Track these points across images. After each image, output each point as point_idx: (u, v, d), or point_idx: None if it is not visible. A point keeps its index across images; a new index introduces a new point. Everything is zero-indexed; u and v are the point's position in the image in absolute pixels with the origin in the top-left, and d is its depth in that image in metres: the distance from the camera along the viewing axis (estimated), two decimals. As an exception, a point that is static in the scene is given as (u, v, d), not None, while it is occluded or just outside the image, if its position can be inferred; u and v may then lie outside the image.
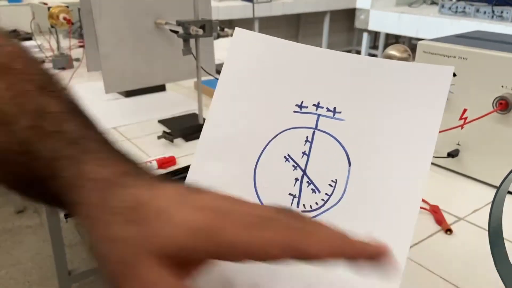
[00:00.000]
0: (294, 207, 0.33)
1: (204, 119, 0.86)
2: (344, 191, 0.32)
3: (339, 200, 0.32)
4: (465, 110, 0.66)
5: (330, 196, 0.32)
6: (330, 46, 3.89)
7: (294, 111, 0.35)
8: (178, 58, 0.94)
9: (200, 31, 0.76)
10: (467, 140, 0.67)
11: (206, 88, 1.10)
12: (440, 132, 0.72)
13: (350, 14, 3.56)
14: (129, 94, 1.07)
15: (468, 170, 0.68)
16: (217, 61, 1.42)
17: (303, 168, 0.34)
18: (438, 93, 0.31)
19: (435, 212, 0.59)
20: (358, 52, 3.81)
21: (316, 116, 0.34)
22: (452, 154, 0.68)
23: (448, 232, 0.55)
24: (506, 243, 0.40)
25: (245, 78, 0.38)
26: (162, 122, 0.92)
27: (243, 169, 0.35)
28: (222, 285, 0.30)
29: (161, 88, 1.13)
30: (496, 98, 0.61)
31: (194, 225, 0.20)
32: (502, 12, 2.06)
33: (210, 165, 0.36)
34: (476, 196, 0.64)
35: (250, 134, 0.36)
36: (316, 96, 0.35)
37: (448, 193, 0.66)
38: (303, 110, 0.35)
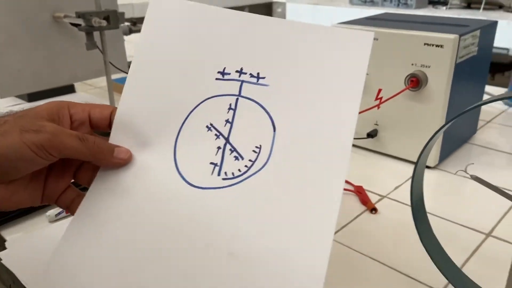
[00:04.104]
0: (215, 176, 0.32)
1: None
2: (269, 156, 0.31)
3: (263, 166, 0.31)
4: (380, 90, 0.66)
5: (254, 162, 0.31)
6: (251, 40, 3.90)
7: (217, 79, 0.34)
8: (84, 54, 0.86)
9: (104, 23, 0.70)
10: (384, 119, 0.68)
11: (120, 86, 1.03)
12: (359, 113, 0.73)
13: (268, 8, 3.59)
14: (32, 98, 0.97)
15: (387, 148, 0.69)
16: (130, 58, 1.35)
17: (226, 136, 0.33)
18: (360, 56, 0.31)
19: (360, 193, 0.58)
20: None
21: (239, 83, 0.33)
22: (371, 135, 0.69)
23: (373, 211, 0.55)
24: (430, 216, 0.41)
25: (164, 45, 0.36)
26: (72, 125, 0.84)
27: (164, 139, 0.34)
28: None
29: (69, 89, 1.04)
30: (408, 76, 0.63)
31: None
32: (406, 0, 2.19)
33: (130, 137, 0.35)
34: (397, 173, 0.65)
35: (170, 104, 0.34)
36: (239, 62, 0.33)
37: (371, 173, 0.66)
38: (226, 77, 0.33)
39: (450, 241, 0.50)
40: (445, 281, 0.40)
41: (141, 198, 0.33)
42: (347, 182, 0.62)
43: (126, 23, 1.12)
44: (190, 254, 0.30)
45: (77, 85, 1.07)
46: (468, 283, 0.38)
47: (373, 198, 0.58)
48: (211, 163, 0.32)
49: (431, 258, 0.39)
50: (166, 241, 0.31)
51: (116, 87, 1.02)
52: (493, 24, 0.71)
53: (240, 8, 3.59)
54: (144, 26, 0.37)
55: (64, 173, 0.36)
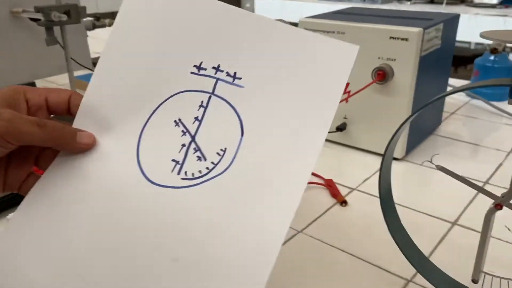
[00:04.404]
0: (174, 174, 0.31)
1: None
2: (232, 161, 0.30)
3: (224, 170, 0.30)
4: (347, 84, 0.67)
5: (216, 165, 0.30)
6: (220, 36, 3.87)
7: (192, 72, 0.32)
8: (45, 50, 0.83)
9: (64, 17, 0.67)
10: (353, 113, 0.69)
11: (84, 83, 1.00)
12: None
13: (236, 3, 3.57)
14: (-10, 96, 0.93)
15: (355, 141, 0.70)
16: (95, 54, 1.31)
17: (192, 134, 0.31)
18: (342, 69, 0.30)
19: (330, 186, 0.59)
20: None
21: (214, 80, 0.32)
22: (341, 128, 0.69)
23: (344, 204, 0.56)
24: (398, 207, 0.41)
25: (140, 35, 0.34)
26: (33, 124, 0.81)
27: (129, 129, 0.33)
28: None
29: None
30: (374, 69, 0.63)
31: None
32: (372, -5, 2.23)
33: (94, 122, 0.34)
34: (366, 166, 0.66)
35: (141, 95, 0.33)
36: (217, 58, 0.32)
37: (340, 166, 0.67)
38: (201, 72, 0.32)
39: (418, 231, 0.50)
40: (414, 270, 0.41)
41: (96, 188, 0.32)
42: (317, 175, 0.62)
43: (90, 18, 1.09)
44: (136, 253, 0.29)
45: (38, 83, 1.03)
46: (435, 272, 0.39)
47: (343, 191, 0.59)
48: (173, 160, 0.31)
49: (400, 248, 0.39)
50: (116, 236, 0.30)
51: (79, 84, 0.99)
52: (456, 17, 0.72)
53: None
54: (120, 13, 0.35)
55: (24, 160, 0.34)
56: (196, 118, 0.32)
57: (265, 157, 0.29)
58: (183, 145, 0.31)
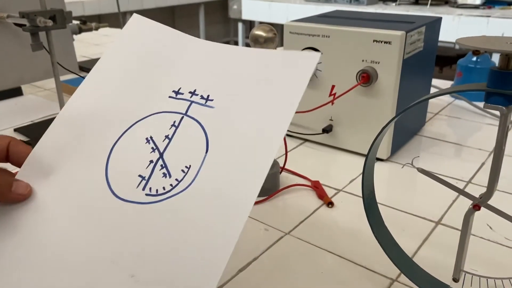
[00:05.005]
0: (139, 189, 0.32)
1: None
2: (194, 178, 0.31)
3: (186, 188, 0.31)
4: (333, 87, 0.68)
5: (179, 182, 0.31)
6: (208, 38, 3.87)
7: (169, 96, 0.35)
8: (30, 55, 0.82)
9: (50, 22, 0.67)
10: (338, 115, 0.70)
11: (71, 88, 1.00)
12: (313, 109, 0.74)
13: (224, 5, 3.57)
14: (-25, 102, 0.92)
15: (342, 143, 0.71)
16: (81, 58, 1.30)
17: (161, 151, 0.33)
18: (299, 78, 0.31)
19: (316, 188, 0.60)
20: (236, 43, 3.86)
21: (188, 103, 0.34)
22: (327, 130, 0.70)
23: (330, 205, 0.57)
24: (383, 207, 0.42)
25: (128, 60, 0.37)
26: (20, 130, 0.81)
27: (102, 142, 0.34)
28: None
29: (16, 92, 0.99)
30: (359, 72, 0.64)
31: None
32: (358, -3, 2.25)
33: (66, 135, 0.35)
34: (352, 167, 0.67)
35: (118, 113, 0.35)
36: (194, 84, 0.35)
37: (327, 167, 0.68)
38: (178, 96, 0.35)
39: (402, 231, 0.52)
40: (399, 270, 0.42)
41: (63, 201, 0.32)
42: (304, 177, 0.63)
43: (76, 22, 1.08)
44: (96, 267, 0.29)
45: (25, 87, 1.02)
46: (418, 272, 0.40)
47: (329, 192, 0.60)
48: (140, 175, 0.32)
49: (384, 250, 0.40)
50: (77, 250, 0.30)
51: (65, 88, 0.98)
52: (438, 20, 0.74)
53: (196, 6, 3.55)
54: (117, 40, 0.38)
55: None
56: (166, 136, 0.33)
57: (224, 173, 0.30)
58: (151, 161, 0.32)
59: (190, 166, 0.31)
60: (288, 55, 0.33)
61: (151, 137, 0.33)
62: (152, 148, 0.33)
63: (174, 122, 0.34)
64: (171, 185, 0.31)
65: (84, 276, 0.29)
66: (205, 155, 0.31)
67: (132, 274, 0.28)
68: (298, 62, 0.32)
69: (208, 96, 0.34)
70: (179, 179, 0.31)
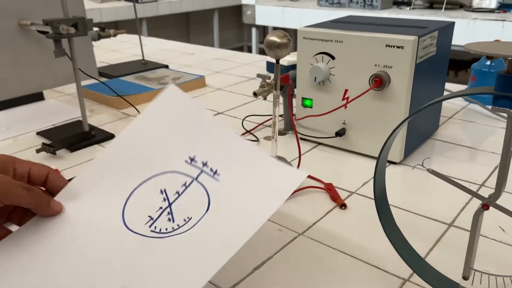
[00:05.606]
0: (147, 226, 0.40)
1: (89, 126, 0.80)
2: (192, 227, 0.39)
3: (184, 231, 0.39)
4: (346, 91, 0.69)
5: (180, 227, 0.40)
6: (222, 43, 3.91)
7: (185, 161, 0.43)
8: (52, 61, 0.86)
9: (72, 30, 0.70)
10: (352, 118, 0.71)
11: (90, 93, 1.03)
12: (326, 113, 0.75)
13: (237, 10, 3.60)
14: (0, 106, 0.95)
15: (354, 146, 0.72)
16: (100, 64, 1.34)
17: (170, 202, 0.42)
18: (285, 188, 0.40)
19: (330, 190, 0.61)
20: (249, 47, 3.88)
21: (200, 171, 0.43)
22: (340, 133, 0.71)
23: (343, 207, 0.58)
24: (396, 209, 0.43)
25: (157, 128, 0.46)
26: (42, 134, 0.84)
27: (126, 184, 0.43)
28: None
29: (38, 97, 1.03)
30: (371, 76, 0.65)
31: None
32: (372, 1, 2.25)
33: (99, 175, 0.44)
34: (364, 170, 0.67)
35: (143, 162, 0.44)
36: (207, 157, 0.43)
37: (340, 170, 0.69)
38: (193, 163, 0.43)
39: (415, 232, 0.52)
40: (411, 270, 0.42)
41: (85, 222, 0.41)
42: (317, 180, 0.64)
43: (95, 29, 1.11)
44: (96, 271, 0.37)
45: (46, 92, 1.06)
46: (430, 271, 0.41)
47: (342, 195, 0.61)
48: (149, 216, 0.41)
49: (395, 248, 0.41)
50: (89, 273, 0.37)
51: (86, 93, 1.01)
52: (451, 25, 0.74)
53: (210, 11, 3.59)
54: (149, 108, 0.46)
55: None
56: (177, 192, 0.42)
57: (214, 231, 0.38)
58: (161, 207, 0.41)
59: (191, 217, 0.40)
60: (284, 169, 0.42)
61: (164, 190, 0.42)
62: (164, 198, 0.42)
63: (185, 182, 0.42)
64: (172, 228, 0.39)
65: (84, 276, 0.37)
66: (205, 213, 0.40)
67: (124, 285, 0.36)
68: (288, 175, 0.41)
69: (216, 170, 0.42)
70: (180, 225, 0.40)
